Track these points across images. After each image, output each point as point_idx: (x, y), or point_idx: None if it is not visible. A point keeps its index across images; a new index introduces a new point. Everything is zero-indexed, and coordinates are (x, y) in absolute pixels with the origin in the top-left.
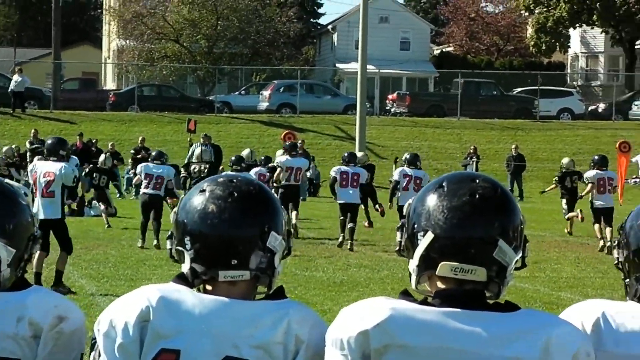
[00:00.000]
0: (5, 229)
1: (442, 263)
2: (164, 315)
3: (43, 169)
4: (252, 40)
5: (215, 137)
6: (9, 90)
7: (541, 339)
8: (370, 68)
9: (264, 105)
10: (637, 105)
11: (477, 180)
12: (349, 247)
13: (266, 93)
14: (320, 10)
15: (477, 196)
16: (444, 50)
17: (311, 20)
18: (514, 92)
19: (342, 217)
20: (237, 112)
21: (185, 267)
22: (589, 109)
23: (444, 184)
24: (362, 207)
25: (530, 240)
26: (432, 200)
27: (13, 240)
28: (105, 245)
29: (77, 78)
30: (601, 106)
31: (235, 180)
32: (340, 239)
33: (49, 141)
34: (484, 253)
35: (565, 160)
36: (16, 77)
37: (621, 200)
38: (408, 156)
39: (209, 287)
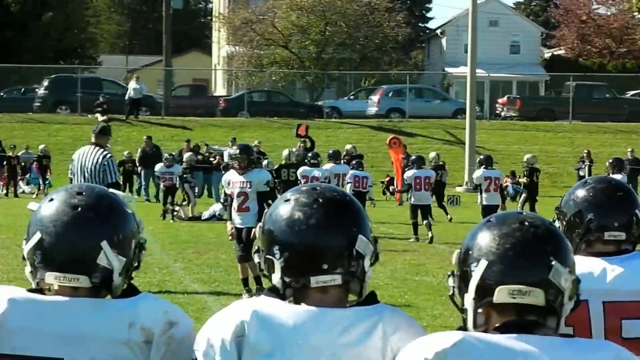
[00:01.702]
0: (115, 240)
1: (500, 287)
2: (258, 330)
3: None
4: (361, 45)
5: (325, 142)
6: (126, 97)
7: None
8: (479, 72)
9: (372, 110)
10: None
11: (524, 213)
12: (428, 241)
13: (375, 98)
14: (429, 15)
15: (526, 222)
16: (554, 53)
17: (420, 24)
18: (627, 95)
19: (414, 220)
20: (346, 117)
21: (275, 278)
22: None
23: (491, 219)
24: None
25: None
26: (482, 233)
27: (123, 249)
28: (217, 250)
29: (188, 84)
30: None
31: (318, 188)
32: (413, 239)
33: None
34: (539, 275)
35: (528, 156)
36: (133, 85)
37: None
38: (483, 157)
39: (300, 298)
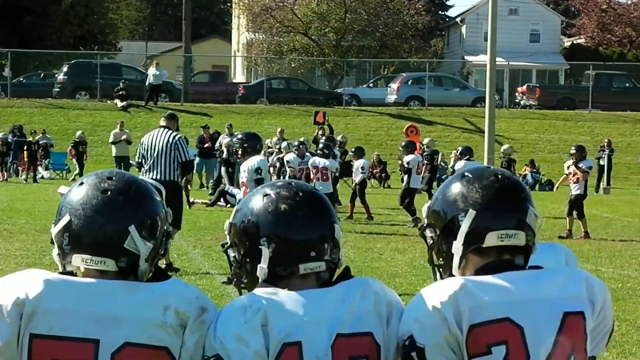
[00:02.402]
0: (143, 225)
1: (490, 233)
2: (276, 317)
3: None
4: (380, 33)
5: (344, 130)
6: (146, 83)
7: (580, 276)
8: (499, 60)
9: (392, 97)
10: None
11: (491, 167)
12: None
13: (394, 86)
14: (449, 2)
15: (499, 176)
16: (574, 42)
17: (439, 12)
18: None
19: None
20: (365, 104)
21: (262, 269)
22: None
23: (465, 174)
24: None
25: None
26: (460, 187)
27: (151, 235)
28: None
29: (207, 71)
30: None
31: (292, 183)
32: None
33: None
34: (520, 219)
35: (505, 147)
36: (153, 71)
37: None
38: (463, 148)
39: (282, 285)
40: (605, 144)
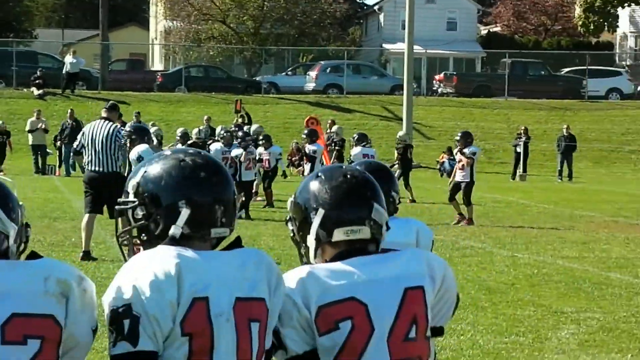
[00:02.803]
0: (7, 207)
1: (337, 229)
2: (187, 272)
3: None
4: (299, 21)
5: (262, 118)
6: (63, 71)
7: (422, 257)
8: (417, 48)
9: (310, 86)
10: None
11: (344, 167)
12: None
13: (313, 74)
14: None
15: (348, 176)
16: (491, 30)
17: (357, 0)
18: (562, 72)
19: None
20: (283, 92)
21: (177, 229)
22: (638, 88)
23: (319, 174)
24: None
25: (579, 221)
26: (316, 187)
27: (14, 219)
28: None
29: (125, 59)
30: None
31: (202, 152)
32: None
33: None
34: (364, 215)
35: (401, 133)
36: (70, 59)
37: None
38: (358, 135)
39: (186, 246)
40: (522, 131)
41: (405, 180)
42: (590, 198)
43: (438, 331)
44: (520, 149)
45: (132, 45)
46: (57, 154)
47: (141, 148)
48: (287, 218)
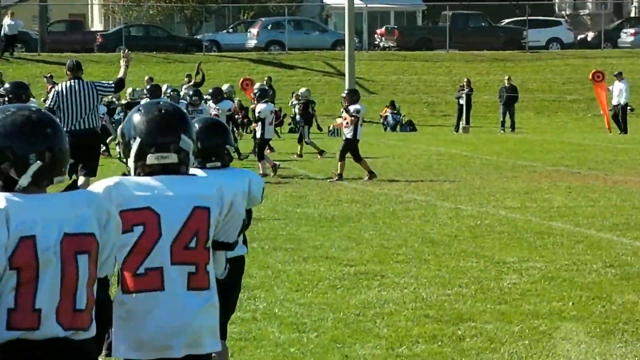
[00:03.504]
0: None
1: (149, 155)
2: (15, 214)
3: None
4: None
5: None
6: (2, 33)
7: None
8: (357, 3)
9: (252, 43)
10: (625, 33)
11: (161, 103)
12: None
13: (254, 31)
14: None
15: (162, 110)
16: None
17: None
18: (503, 24)
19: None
20: (225, 50)
21: (26, 179)
22: (578, 38)
23: (140, 108)
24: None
25: (521, 171)
26: (135, 118)
27: None
28: None
29: (64, 20)
30: (590, 35)
31: (36, 108)
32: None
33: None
34: (173, 144)
35: (302, 90)
36: (8, 21)
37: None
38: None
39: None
40: (464, 83)
41: (305, 135)
42: (533, 148)
43: (224, 245)
44: (462, 101)
45: (71, 5)
46: None
47: None
48: (116, 142)
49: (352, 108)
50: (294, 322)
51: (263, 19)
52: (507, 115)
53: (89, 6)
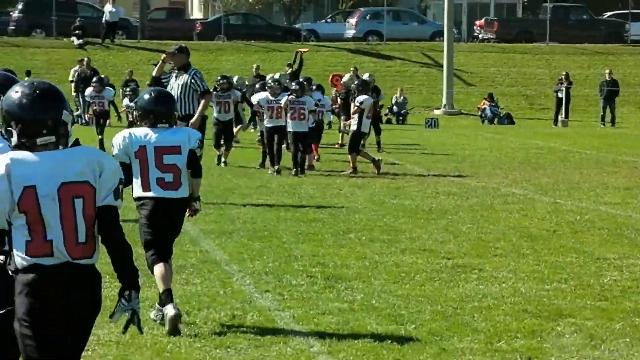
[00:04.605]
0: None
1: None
2: (17, 168)
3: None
4: None
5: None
6: (103, 20)
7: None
8: None
9: (350, 33)
10: None
11: (35, 83)
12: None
13: (353, 21)
14: None
15: (37, 91)
16: None
17: None
18: (604, 16)
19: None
20: (323, 40)
21: (14, 140)
22: None
23: (17, 88)
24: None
25: (622, 166)
26: (13, 99)
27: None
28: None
29: (164, 8)
30: None
31: (34, 82)
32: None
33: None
34: (54, 118)
35: (345, 78)
36: (109, 8)
37: None
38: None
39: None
40: (563, 76)
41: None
42: (634, 143)
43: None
44: (562, 95)
45: None
46: (78, 102)
47: None
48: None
49: (359, 98)
50: (392, 314)
51: (362, 9)
52: (608, 110)
53: None
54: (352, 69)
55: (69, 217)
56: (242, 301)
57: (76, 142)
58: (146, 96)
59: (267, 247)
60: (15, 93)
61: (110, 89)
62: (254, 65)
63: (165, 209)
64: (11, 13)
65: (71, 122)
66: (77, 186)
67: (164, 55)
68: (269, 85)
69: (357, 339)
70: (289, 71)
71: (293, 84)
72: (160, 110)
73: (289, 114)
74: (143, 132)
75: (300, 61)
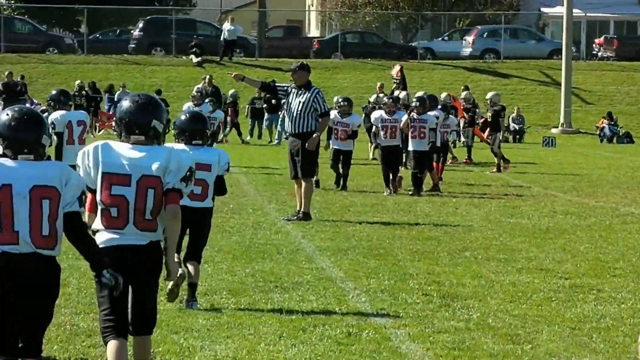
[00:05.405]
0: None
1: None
2: (0, 169)
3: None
4: None
5: (418, 84)
6: (221, 38)
7: None
8: (576, 12)
9: (467, 51)
10: None
11: (24, 109)
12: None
13: (469, 39)
14: None
15: (25, 117)
16: None
17: None
18: None
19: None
20: (440, 58)
21: (1, 151)
22: None
23: (9, 112)
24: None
25: None
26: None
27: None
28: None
29: (282, 26)
30: None
31: (23, 109)
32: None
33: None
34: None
35: (490, 94)
36: (228, 26)
37: None
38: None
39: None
40: None
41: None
42: None
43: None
44: None
45: (289, 12)
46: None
47: (55, 115)
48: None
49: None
50: (508, 334)
51: (479, 27)
52: None
53: (306, 12)
54: (462, 87)
55: (36, 214)
56: (357, 319)
57: (48, 159)
58: (182, 117)
59: (382, 264)
60: (6, 116)
61: (221, 112)
62: (378, 84)
63: (190, 217)
64: (132, 32)
65: (48, 145)
66: (46, 189)
67: (234, 73)
68: (383, 102)
69: (473, 358)
70: (397, 88)
71: (414, 99)
72: (193, 129)
73: (410, 132)
74: (180, 149)
75: (403, 77)
